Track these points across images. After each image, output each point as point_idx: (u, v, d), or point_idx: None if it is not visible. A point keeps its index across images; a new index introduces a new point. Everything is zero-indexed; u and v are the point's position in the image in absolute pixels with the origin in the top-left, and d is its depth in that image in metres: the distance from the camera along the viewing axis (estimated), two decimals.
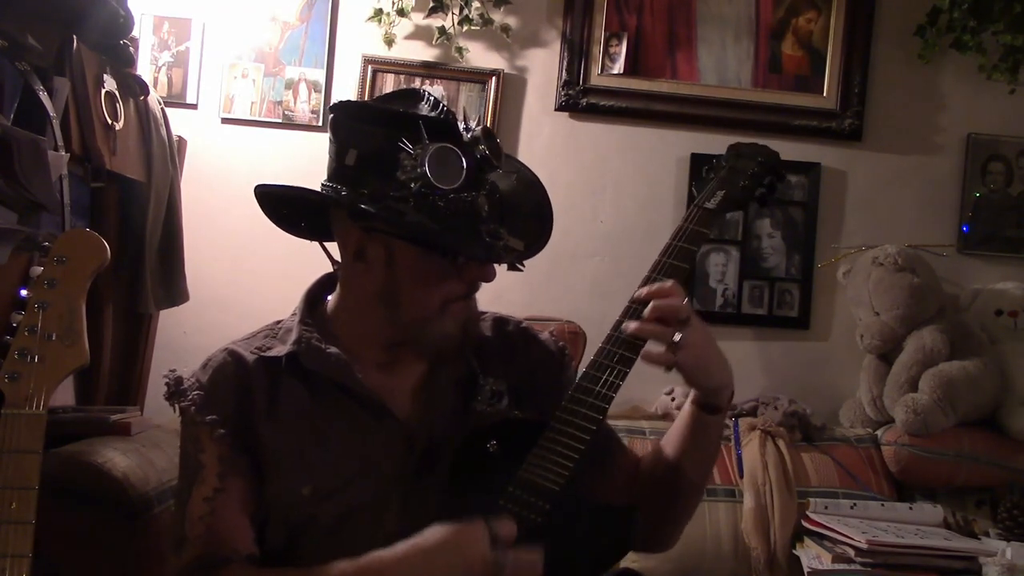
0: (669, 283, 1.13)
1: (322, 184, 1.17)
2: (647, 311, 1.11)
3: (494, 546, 0.99)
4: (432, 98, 1.16)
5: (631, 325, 1.11)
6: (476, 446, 1.13)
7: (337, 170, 1.14)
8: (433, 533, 1.01)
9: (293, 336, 1.19)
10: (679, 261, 1.18)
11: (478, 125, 1.17)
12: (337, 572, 1.04)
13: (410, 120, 1.10)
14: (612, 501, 1.21)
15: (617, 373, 1.12)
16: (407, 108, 1.14)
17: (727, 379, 1.17)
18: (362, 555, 1.04)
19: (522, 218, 1.18)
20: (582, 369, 1.17)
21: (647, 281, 1.18)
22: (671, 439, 1.23)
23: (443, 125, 1.11)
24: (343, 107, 1.18)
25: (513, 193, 1.19)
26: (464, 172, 1.08)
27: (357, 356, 1.19)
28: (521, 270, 1.18)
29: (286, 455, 1.14)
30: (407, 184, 1.07)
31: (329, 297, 1.27)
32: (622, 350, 1.12)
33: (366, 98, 2.40)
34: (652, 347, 1.11)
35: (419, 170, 1.06)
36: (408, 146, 1.08)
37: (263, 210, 1.23)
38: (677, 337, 1.08)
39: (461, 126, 1.14)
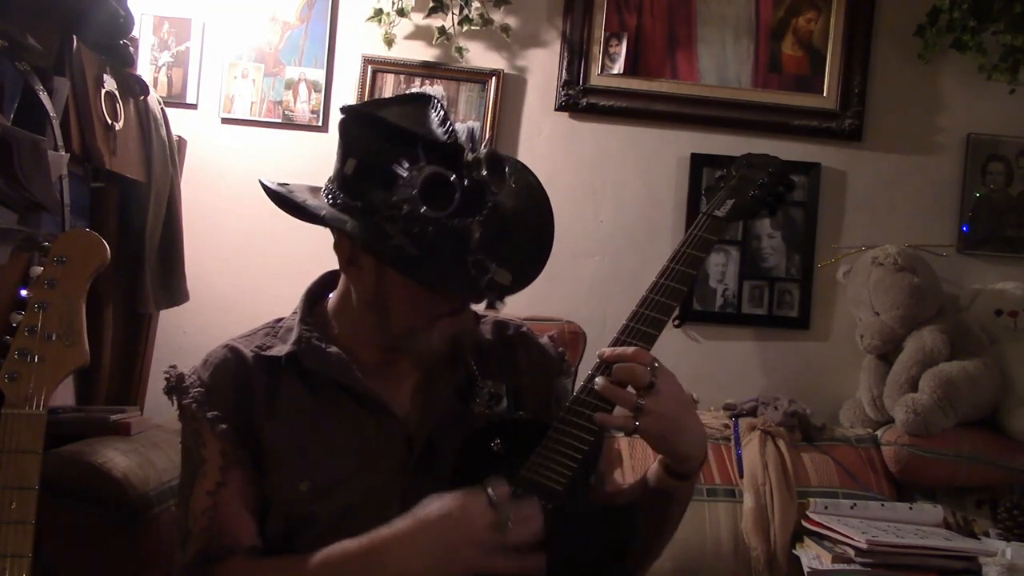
0: (631, 350, 1.11)
1: (325, 184, 1.17)
2: (612, 372, 1.09)
3: (494, 507, 1.00)
4: (442, 111, 1.14)
5: (599, 381, 1.10)
6: (479, 445, 1.13)
7: (339, 174, 1.14)
8: (432, 505, 1.03)
9: (293, 336, 1.20)
10: (687, 267, 1.19)
11: (487, 145, 1.15)
12: (339, 552, 1.05)
13: (409, 139, 1.09)
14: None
15: None
16: (413, 122, 1.12)
17: (696, 450, 1.14)
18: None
19: (519, 242, 1.14)
20: (583, 369, 1.17)
21: (653, 288, 1.18)
22: (639, 488, 1.21)
23: (442, 148, 1.09)
24: (351, 111, 1.16)
25: (516, 213, 1.16)
26: (457, 200, 1.06)
27: (356, 355, 1.19)
28: (498, 310, 1.11)
29: (285, 451, 1.14)
30: (399, 205, 1.05)
31: (330, 295, 1.27)
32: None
33: (366, 98, 2.41)
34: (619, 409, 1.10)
35: (411, 193, 1.05)
36: (404, 166, 1.06)
37: (268, 194, 1.23)
38: (641, 403, 1.07)
39: (468, 144, 1.11)
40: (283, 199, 1.19)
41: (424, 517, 1.02)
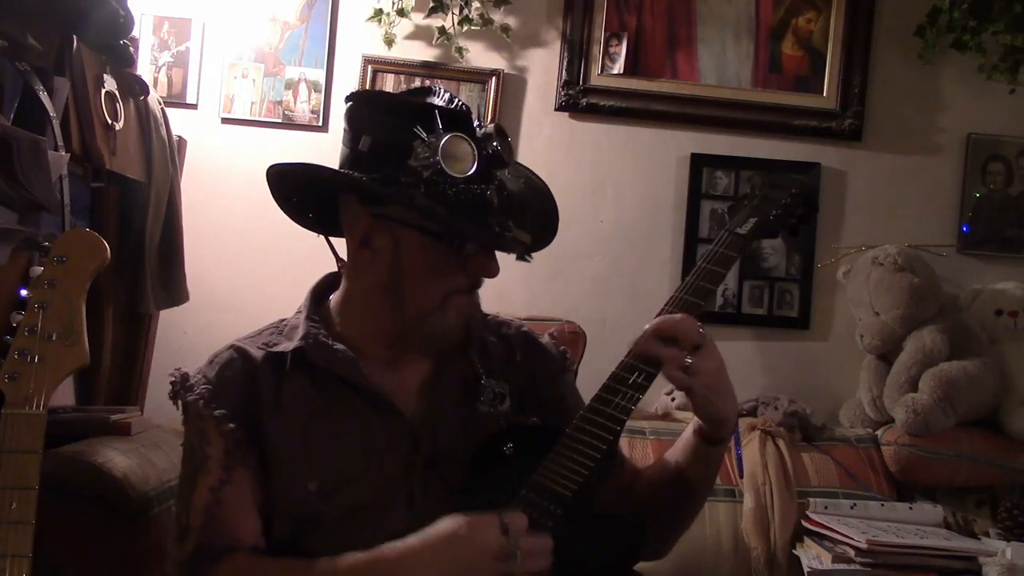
0: (679, 316, 1.13)
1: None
2: (659, 328, 1.11)
3: (505, 535, 0.99)
4: (447, 93, 1.19)
5: (648, 332, 1.11)
6: (492, 448, 1.14)
7: (350, 156, 1.16)
8: (444, 524, 1.02)
9: (300, 332, 1.20)
10: (707, 282, 1.21)
11: (491, 122, 1.19)
12: (347, 564, 1.05)
13: (426, 109, 1.12)
14: (613, 510, 1.21)
15: (638, 387, 1.13)
16: (424, 98, 1.17)
17: (732, 413, 1.16)
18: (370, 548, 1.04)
19: (529, 216, 1.20)
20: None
21: (673, 302, 1.19)
22: (670, 460, 1.24)
23: (458, 115, 1.13)
24: (360, 95, 1.21)
25: (521, 194, 1.21)
26: (476, 163, 1.10)
27: (362, 353, 1.19)
28: (529, 261, 1.18)
29: (292, 450, 1.14)
30: (419, 171, 1.08)
31: (332, 296, 1.27)
32: (644, 364, 1.14)
33: None
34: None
35: (432, 158, 1.08)
36: (422, 133, 1.10)
37: (273, 195, 1.23)
38: (689, 361, 1.08)
39: (475, 123, 1.16)
40: (298, 182, 1.20)
41: (433, 535, 1.02)
